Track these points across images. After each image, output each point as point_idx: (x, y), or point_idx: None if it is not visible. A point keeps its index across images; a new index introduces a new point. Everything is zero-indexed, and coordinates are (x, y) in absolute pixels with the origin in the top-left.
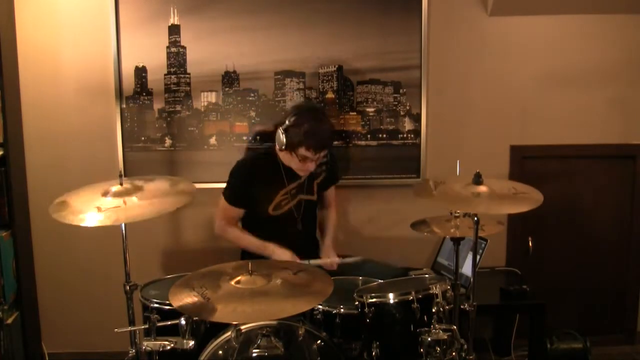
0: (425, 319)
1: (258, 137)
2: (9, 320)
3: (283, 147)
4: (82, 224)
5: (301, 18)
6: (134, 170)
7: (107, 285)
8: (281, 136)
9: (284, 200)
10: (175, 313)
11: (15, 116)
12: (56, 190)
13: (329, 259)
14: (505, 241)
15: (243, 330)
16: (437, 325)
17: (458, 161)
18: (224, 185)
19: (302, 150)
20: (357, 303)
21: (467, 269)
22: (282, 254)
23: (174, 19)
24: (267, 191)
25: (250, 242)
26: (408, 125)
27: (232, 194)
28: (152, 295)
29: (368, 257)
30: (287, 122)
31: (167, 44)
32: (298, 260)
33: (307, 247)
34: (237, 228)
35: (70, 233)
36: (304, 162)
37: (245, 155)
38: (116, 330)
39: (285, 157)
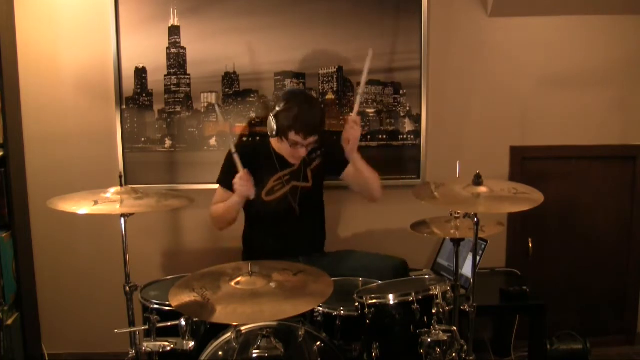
0: (425, 320)
1: (258, 138)
2: (9, 321)
3: (274, 134)
4: (78, 212)
5: (301, 19)
6: (134, 171)
7: (107, 286)
8: (272, 122)
9: (276, 186)
10: (175, 314)
11: (15, 117)
12: (56, 191)
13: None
14: (505, 242)
15: (243, 331)
16: (437, 326)
17: (458, 162)
18: None
19: (292, 135)
20: (357, 304)
21: (467, 269)
22: (238, 181)
23: (174, 20)
24: (258, 176)
25: (229, 201)
26: (408, 126)
27: (223, 177)
28: (152, 296)
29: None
30: (277, 108)
31: (167, 45)
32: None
33: (308, 235)
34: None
35: (70, 234)
36: (294, 148)
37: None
38: (116, 331)
39: (277, 144)
